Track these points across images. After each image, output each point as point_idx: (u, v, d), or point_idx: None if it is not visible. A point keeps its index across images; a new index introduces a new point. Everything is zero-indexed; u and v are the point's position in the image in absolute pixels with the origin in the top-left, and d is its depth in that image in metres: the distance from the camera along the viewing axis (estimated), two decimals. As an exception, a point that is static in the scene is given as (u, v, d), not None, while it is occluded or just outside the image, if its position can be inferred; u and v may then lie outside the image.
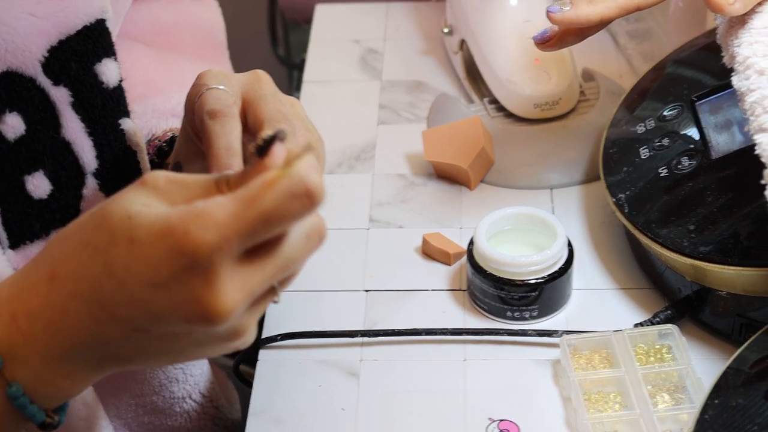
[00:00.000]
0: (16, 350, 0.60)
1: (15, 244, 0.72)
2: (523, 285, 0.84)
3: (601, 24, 0.80)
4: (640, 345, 0.81)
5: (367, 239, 0.94)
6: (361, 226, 0.95)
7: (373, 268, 0.92)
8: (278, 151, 0.57)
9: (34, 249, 0.73)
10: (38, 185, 0.72)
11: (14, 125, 0.70)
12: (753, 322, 0.80)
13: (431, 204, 0.98)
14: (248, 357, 0.87)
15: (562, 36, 0.82)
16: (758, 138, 0.72)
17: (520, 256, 0.84)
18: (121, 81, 0.75)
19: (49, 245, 0.61)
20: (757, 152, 0.71)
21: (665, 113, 0.90)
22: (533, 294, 0.84)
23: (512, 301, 0.85)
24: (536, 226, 0.88)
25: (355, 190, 0.99)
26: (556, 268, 0.85)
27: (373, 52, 1.17)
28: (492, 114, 1.04)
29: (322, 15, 1.24)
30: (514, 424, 0.79)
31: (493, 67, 1.02)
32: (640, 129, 0.90)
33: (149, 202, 0.57)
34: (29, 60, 0.69)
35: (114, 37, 0.75)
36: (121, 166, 0.77)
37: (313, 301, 0.89)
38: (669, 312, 0.84)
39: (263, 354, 0.85)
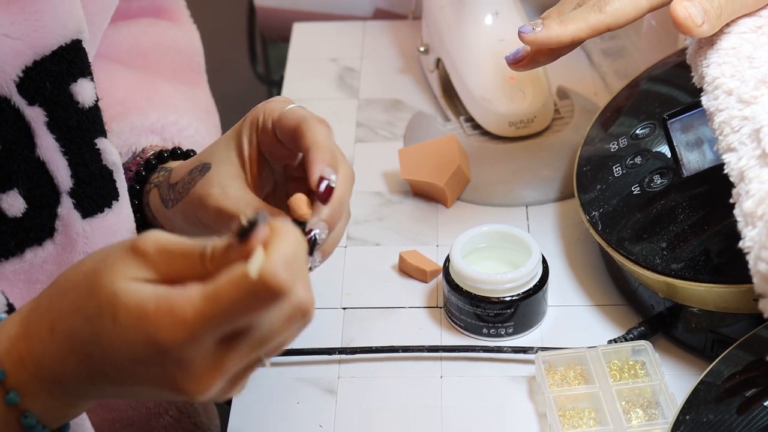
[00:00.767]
0: (26, 387, 0.62)
1: None
2: (499, 302, 0.85)
3: (573, 44, 0.81)
4: (614, 361, 0.82)
5: (345, 257, 0.95)
6: (339, 244, 0.96)
7: (351, 286, 0.92)
8: (258, 236, 0.56)
9: (9, 267, 0.73)
10: (12, 203, 0.72)
11: None
12: (724, 338, 0.81)
13: (408, 222, 0.98)
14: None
15: (535, 56, 0.83)
16: (727, 157, 0.73)
17: (496, 274, 0.85)
18: (97, 101, 0.76)
19: (49, 293, 0.63)
20: (725, 171, 0.73)
21: (638, 131, 0.91)
22: (509, 311, 0.85)
23: (488, 318, 0.86)
24: (511, 243, 0.89)
25: (332, 208, 1.00)
26: (531, 285, 0.86)
27: (351, 70, 1.18)
28: (468, 132, 1.05)
29: (299, 33, 1.25)
30: (490, 440, 0.80)
31: (468, 86, 1.03)
32: (613, 147, 0.92)
33: (137, 274, 0.58)
34: (3, 80, 0.70)
35: (91, 58, 0.75)
36: (97, 186, 0.77)
37: (291, 319, 0.90)
38: (642, 328, 0.85)
39: (241, 372, 0.86)
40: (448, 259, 0.88)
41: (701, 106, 0.79)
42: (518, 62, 0.83)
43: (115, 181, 0.78)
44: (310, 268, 0.72)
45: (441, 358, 0.86)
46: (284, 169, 0.80)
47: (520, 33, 0.80)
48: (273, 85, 1.49)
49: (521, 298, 0.85)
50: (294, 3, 1.27)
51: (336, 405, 0.83)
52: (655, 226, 0.83)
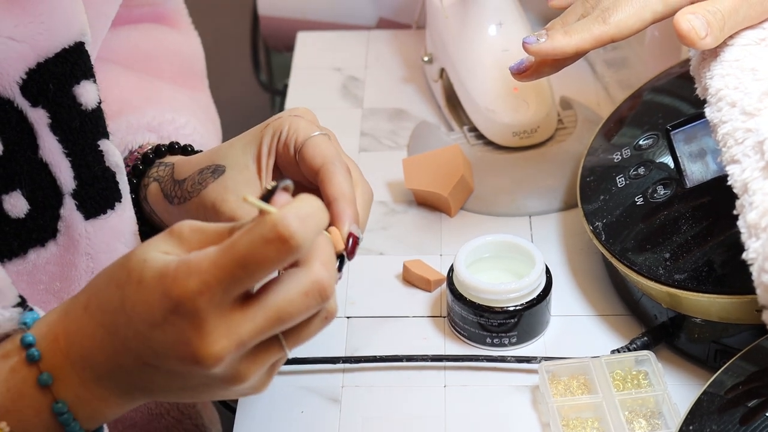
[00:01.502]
0: (59, 371, 0.64)
1: None
2: (503, 312, 0.85)
3: (577, 55, 0.81)
4: (617, 371, 0.82)
5: (348, 266, 0.95)
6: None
7: (355, 295, 0.93)
8: (278, 201, 0.59)
9: (12, 267, 0.73)
10: (15, 204, 0.72)
11: None
12: (727, 349, 0.81)
13: (412, 231, 0.99)
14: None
15: (539, 66, 0.83)
16: (730, 169, 0.73)
17: (500, 284, 0.85)
18: (99, 103, 0.76)
19: (92, 279, 0.66)
20: (729, 182, 0.73)
21: (641, 142, 0.91)
22: (512, 321, 0.86)
23: (492, 327, 0.86)
24: (515, 253, 0.89)
25: (336, 217, 1.00)
26: (534, 295, 0.86)
27: (355, 79, 1.18)
28: (471, 142, 1.05)
29: (303, 42, 1.25)
30: (494, 449, 0.80)
31: (472, 96, 1.04)
32: (617, 157, 0.92)
33: (170, 249, 0.61)
34: (7, 82, 0.70)
35: (92, 60, 0.76)
36: (99, 187, 0.77)
37: (295, 327, 0.90)
38: (645, 338, 0.85)
39: (246, 381, 0.86)
40: (452, 269, 0.88)
41: (704, 117, 0.79)
42: (522, 72, 0.84)
43: (117, 182, 0.79)
44: None
45: (444, 368, 0.86)
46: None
47: (524, 44, 0.81)
48: (276, 93, 1.49)
49: (525, 308, 0.85)
50: (298, 12, 1.28)
51: (340, 414, 0.83)
52: (659, 237, 0.84)
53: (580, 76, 1.15)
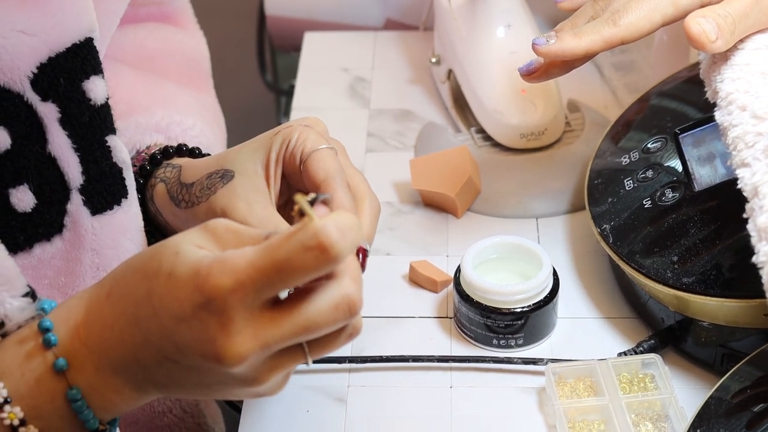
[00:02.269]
0: (75, 358, 0.64)
1: None
2: (509, 313, 0.85)
3: (586, 57, 0.81)
4: (623, 374, 0.82)
5: (355, 266, 0.95)
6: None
7: (361, 295, 0.93)
8: (318, 212, 0.59)
9: (17, 261, 0.73)
10: (22, 198, 0.72)
11: None
12: (735, 353, 0.81)
13: (418, 232, 0.99)
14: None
15: (548, 68, 0.83)
16: (740, 172, 0.73)
17: (507, 285, 0.85)
18: (107, 98, 0.76)
19: (115, 269, 0.66)
20: (739, 186, 0.73)
21: (649, 145, 0.91)
22: (519, 322, 0.86)
23: (498, 329, 0.86)
24: (522, 255, 0.89)
25: (343, 217, 1.00)
26: (541, 297, 0.86)
27: (362, 80, 1.18)
28: (479, 143, 1.05)
29: (311, 43, 1.25)
30: (500, 451, 0.80)
31: (480, 97, 1.04)
32: (625, 160, 0.92)
33: (203, 243, 0.61)
34: (17, 76, 0.70)
35: (101, 57, 0.76)
36: (107, 183, 0.77)
37: (301, 327, 0.90)
38: (652, 341, 0.85)
39: (252, 379, 0.86)
40: (459, 270, 0.88)
41: (713, 121, 0.79)
42: (531, 74, 0.84)
43: (124, 178, 0.79)
44: None
45: (451, 369, 0.86)
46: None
47: (534, 45, 0.81)
48: (282, 93, 1.49)
49: (532, 310, 0.85)
50: (305, 13, 1.28)
51: (345, 414, 0.83)
52: (666, 240, 0.84)
53: (588, 80, 1.15)
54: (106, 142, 0.77)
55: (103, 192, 0.77)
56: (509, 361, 0.85)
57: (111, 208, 0.78)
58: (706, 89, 0.81)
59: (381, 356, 0.86)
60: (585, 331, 0.89)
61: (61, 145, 0.74)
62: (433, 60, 1.12)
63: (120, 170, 0.78)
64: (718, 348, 0.82)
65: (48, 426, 0.64)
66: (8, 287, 0.67)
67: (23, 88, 0.71)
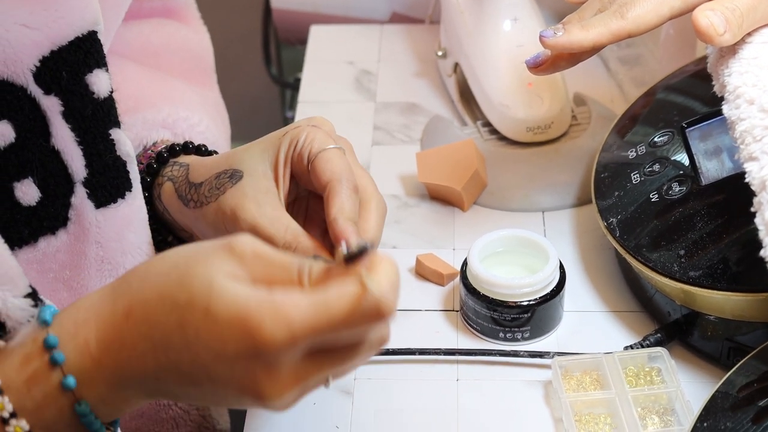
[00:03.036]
0: (84, 374, 0.62)
1: None
2: (516, 306, 0.85)
3: (594, 49, 0.81)
4: (630, 367, 0.82)
5: (361, 259, 0.95)
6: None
7: (367, 288, 0.93)
8: (365, 262, 0.59)
9: (22, 255, 0.73)
10: (27, 192, 0.72)
11: (4, 133, 0.70)
12: (741, 347, 0.81)
13: (425, 225, 0.99)
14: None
15: (555, 60, 0.83)
16: (748, 166, 0.73)
17: (513, 278, 0.85)
18: (111, 92, 0.76)
19: (128, 280, 0.63)
20: (747, 180, 0.73)
21: (656, 139, 0.91)
22: (525, 315, 0.86)
23: (505, 322, 0.86)
24: (529, 248, 0.89)
25: (349, 210, 1.00)
26: (548, 291, 0.86)
27: (368, 73, 1.18)
28: (485, 137, 1.05)
29: (317, 36, 1.25)
30: (506, 444, 0.80)
31: (486, 91, 1.04)
32: (632, 154, 0.92)
33: (233, 270, 0.59)
34: (20, 69, 0.70)
35: (105, 51, 0.76)
36: (110, 176, 0.77)
37: (307, 320, 0.90)
38: (659, 335, 0.85)
39: (258, 372, 0.86)
40: (465, 263, 0.88)
41: (720, 114, 0.79)
42: (538, 66, 0.84)
43: (128, 171, 0.79)
44: None
45: (457, 362, 0.86)
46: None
47: (541, 37, 0.80)
48: (287, 86, 1.49)
49: (538, 303, 0.85)
50: (311, 6, 1.28)
51: (352, 406, 0.83)
52: (673, 234, 0.84)
53: (594, 73, 1.15)
54: (110, 135, 0.77)
55: (107, 185, 0.77)
56: (516, 354, 0.86)
57: (115, 201, 0.78)
58: (713, 83, 0.81)
59: (388, 349, 0.86)
60: (591, 325, 0.89)
61: (64, 139, 0.74)
62: (440, 53, 1.12)
63: (124, 163, 0.78)
64: (724, 342, 0.82)
65: None
66: (11, 287, 0.66)
67: (26, 81, 0.71)
